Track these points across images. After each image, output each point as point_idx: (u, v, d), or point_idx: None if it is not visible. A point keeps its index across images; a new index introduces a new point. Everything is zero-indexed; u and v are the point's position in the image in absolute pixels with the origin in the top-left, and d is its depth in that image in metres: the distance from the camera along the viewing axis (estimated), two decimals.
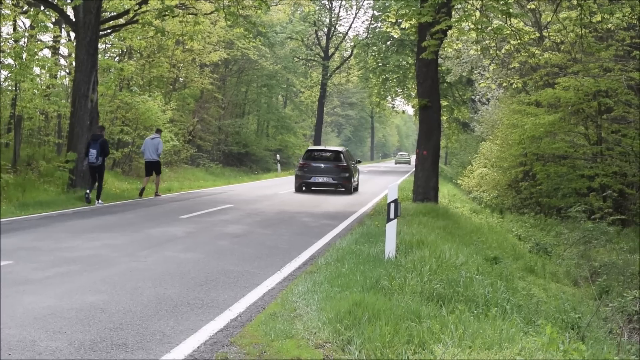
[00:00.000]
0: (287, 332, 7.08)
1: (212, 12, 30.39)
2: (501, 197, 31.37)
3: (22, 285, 9.01)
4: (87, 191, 21.41)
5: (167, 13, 24.09)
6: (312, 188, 29.47)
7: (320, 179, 28.91)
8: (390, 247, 11.02)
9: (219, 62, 47.00)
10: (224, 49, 45.31)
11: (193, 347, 6.63)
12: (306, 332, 7.13)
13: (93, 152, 21.59)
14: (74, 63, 26.49)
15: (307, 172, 29.05)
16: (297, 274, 10.48)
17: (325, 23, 69.12)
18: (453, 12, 21.50)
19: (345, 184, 29.01)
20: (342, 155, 29.73)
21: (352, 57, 66.19)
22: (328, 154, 30.28)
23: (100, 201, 21.54)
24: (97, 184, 21.82)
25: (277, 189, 31.21)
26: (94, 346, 6.50)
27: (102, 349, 6.42)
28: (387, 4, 45.97)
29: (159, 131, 26.53)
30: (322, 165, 29.29)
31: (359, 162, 33.38)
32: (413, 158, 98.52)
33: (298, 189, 29.15)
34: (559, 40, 23.92)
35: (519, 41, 21.30)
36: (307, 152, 31.13)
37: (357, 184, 31.64)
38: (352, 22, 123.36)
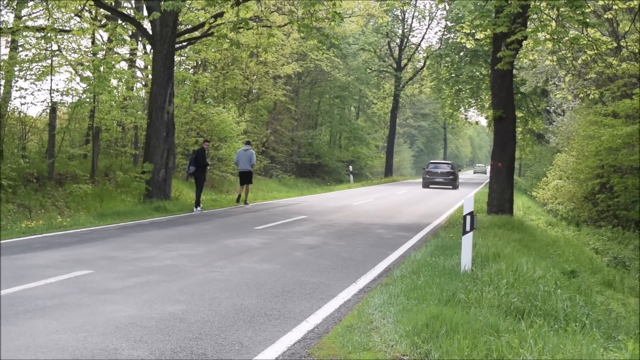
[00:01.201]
0: (364, 345, 7.09)
1: (285, 25, 30.68)
2: (577, 210, 30.89)
3: (103, 294, 9.18)
4: (198, 201, 23.80)
5: (241, 26, 24.28)
6: (431, 187, 45.75)
7: (437, 180, 46.31)
8: (466, 259, 10.94)
9: (292, 74, 47.28)
10: (297, 62, 45.61)
11: (271, 358, 6.67)
12: (383, 344, 7.12)
13: (242, 162, 25.78)
14: (150, 75, 26.94)
15: (430, 176, 46.59)
16: (373, 285, 10.47)
17: (398, 34, 69.07)
18: (528, 23, 21.30)
19: (452, 183, 46.18)
20: (450, 165, 47.90)
21: (424, 68, 65.96)
22: (442, 164, 48.63)
23: (198, 208, 23.60)
24: (198, 192, 24.02)
25: (350, 200, 31.24)
26: (174, 355, 6.59)
27: (182, 359, 6.50)
28: (460, 15, 45.78)
29: (249, 143, 28.06)
30: (439, 171, 46.71)
31: (460, 170, 51.15)
32: (488, 169, 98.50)
33: (424, 186, 46.42)
34: (637, 50, 23.52)
35: (595, 51, 21.00)
36: (430, 164, 49.21)
37: (458, 184, 48.54)
38: (425, 33, 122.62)
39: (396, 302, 8.81)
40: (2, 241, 14.43)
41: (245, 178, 26.72)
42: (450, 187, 45.18)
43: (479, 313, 8.14)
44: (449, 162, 39.41)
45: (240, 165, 26.68)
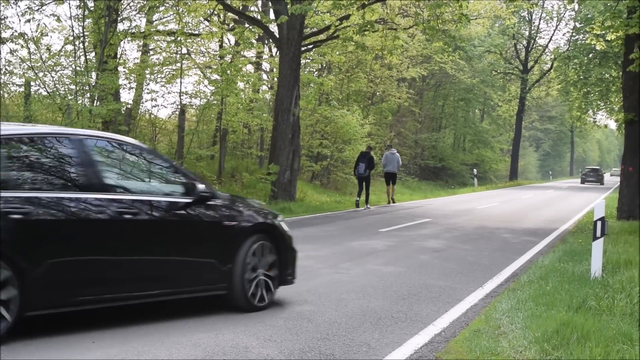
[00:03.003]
0: (492, 350, 7.00)
1: (411, 27, 30.63)
2: None
3: None
4: (357, 198, 26.56)
5: (367, 28, 24.40)
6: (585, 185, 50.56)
7: (590, 179, 68.83)
8: (596, 266, 10.70)
9: (417, 77, 47.15)
10: (421, 64, 45.44)
11: None
12: (512, 350, 7.02)
13: (362, 166, 26.24)
14: (276, 78, 27.33)
15: (585, 176, 69.17)
16: (499, 290, 10.35)
17: (524, 36, 68.01)
18: None
19: (600, 180, 68.74)
20: (598, 169, 66.50)
21: (552, 70, 64.69)
22: (593, 168, 69.92)
23: (368, 205, 26.31)
24: (365, 192, 26.43)
25: (475, 203, 30.95)
26: (303, 355, 6.66)
27: (310, 358, 6.58)
28: (590, 16, 44.67)
29: (391, 146, 30.71)
30: (591, 172, 69.97)
31: (603, 172, 58.81)
32: (607, 175, 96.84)
33: (582, 183, 65.58)
34: None
35: None
36: (585, 168, 61.73)
37: (604, 181, 66.05)
38: (553, 34, 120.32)
39: (524, 307, 8.68)
40: None
41: (391, 179, 29.13)
42: (599, 183, 67.84)
43: (611, 321, 7.95)
44: (597, 167, 48.24)
45: (388, 167, 28.97)
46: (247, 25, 26.65)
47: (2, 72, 21.37)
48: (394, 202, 29.25)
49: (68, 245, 6.84)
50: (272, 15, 26.66)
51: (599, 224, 10.69)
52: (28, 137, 7.11)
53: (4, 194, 6.37)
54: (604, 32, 22.75)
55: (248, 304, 8.26)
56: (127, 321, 7.64)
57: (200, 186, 8.02)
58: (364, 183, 26.51)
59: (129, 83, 25.25)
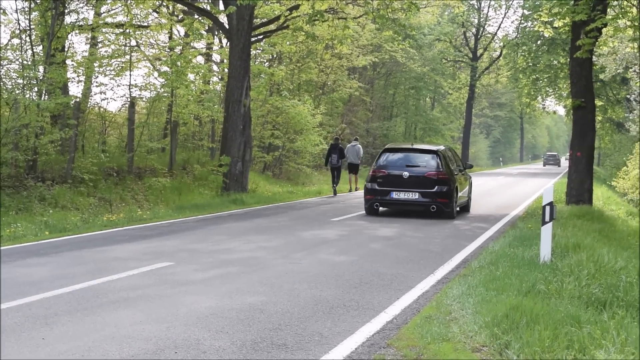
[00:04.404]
0: (443, 335, 7.07)
1: (361, 16, 30.68)
2: None
3: (184, 285, 9.33)
4: (334, 185, 28.34)
5: (317, 18, 24.35)
6: (546, 167, 23.41)
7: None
8: (545, 250, 10.83)
9: (367, 66, 47.22)
10: (372, 53, 45.53)
11: (351, 348, 6.70)
12: (462, 335, 7.10)
13: (335, 157, 28.35)
14: (226, 69, 27.21)
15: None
16: (451, 277, 10.44)
17: (473, 24, 68.49)
18: (608, 9, 20.90)
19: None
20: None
21: (501, 58, 65.24)
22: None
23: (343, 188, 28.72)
24: (337, 180, 28.33)
25: None
26: (255, 346, 6.67)
27: (263, 349, 6.58)
28: (538, 3, 45.00)
29: (357, 139, 31.91)
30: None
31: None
32: (563, 159, 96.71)
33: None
34: None
35: None
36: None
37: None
38: (502, 22, 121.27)
39: (475, 293, 8.77)
40: (85, 234, 14.78)
41: (353, 169, 30.23)
42: (557, 165, 53.81)
43: (559, 304, 8.05)
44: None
45: (350, 158, 29.75)
46: (196, 16, 26.44)
47: None
48: (356, 190, 29.99)
49: None
50: (221, 6, 26.50)
51: (547, 208, 10.82)
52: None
53: None
54: (551, 19, 23.03)
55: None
56: (77, 317, 7.59)
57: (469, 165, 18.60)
58: (335, 172, 28.54)
59: (78, 76, 24.92)
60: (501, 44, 65.19)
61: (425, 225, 17.47)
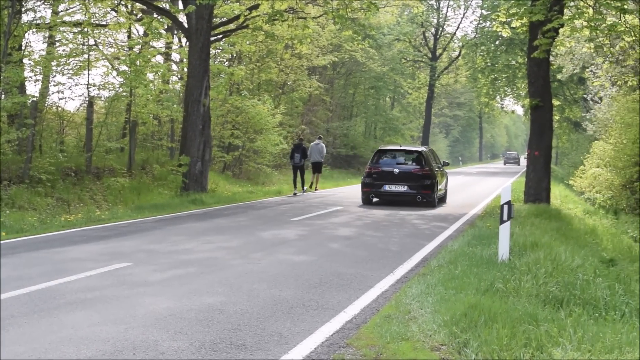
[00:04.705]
0: (402, 334, 7.09)
1: (320, 16, 30.64)
2: (615, 198, 30.52)
3: (142, 286, 9.27)
4: (295, 185, 28.82)
5: (276, 17, 24.29)
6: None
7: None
8: (503, 249, 10.91)
9: (328, 65, 47.23)
10: (332, 52, 45.56)
11: (310, 348, 6.71)
12: (421, 334, 7.12)
13: (297, 156, 28.53)
14: (185, 69, 27.08)
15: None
16: (410, 276, 10.47)
17: (433, 24, 68.73)
18: (565, 10, 21.11)
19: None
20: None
21: (460, 58, 65.65)
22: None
23: (304, 190, 29.11)
24: (301, 178, 28.96)
25: None
26: (214, 346, 6.65)
27: (222, 349, 6.57)
28: (496, 3, 45.45)
29: (320, 138, 31.85)
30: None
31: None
32: (522, 158, 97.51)
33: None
34: None
35: (634, 38, 20.79)
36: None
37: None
38: (460, 22, 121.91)
39: (434, 292, 8.82)
40: (42, 235, 14.62)
41: (316, 168, 30.53)
42: (517, 164, 48.21)
43: (517, 302, 8.13)
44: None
45: (313, 157, 30.12)
46: (155, 15, 26.23)
47: None
48: (316, 189, 30.77)
49: None
50: (180, 5, 26.36)
51: (505, 207, 10.90)
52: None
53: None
54: (509, 19, 23.18)
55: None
56: (34, 319, 7.51)
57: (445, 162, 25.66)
58: (298, 171, 29.00)
59: (35, 75, 24.65)
60: (460, 44, 65.61)
61: (384, 225, 17.52)
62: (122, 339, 6.83)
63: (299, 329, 7.34)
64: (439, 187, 24.03)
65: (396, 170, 23.04)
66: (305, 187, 29.30)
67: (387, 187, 23.06)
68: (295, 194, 28.09)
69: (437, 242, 14.43)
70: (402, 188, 22.96)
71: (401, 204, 23.28)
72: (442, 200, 25.27)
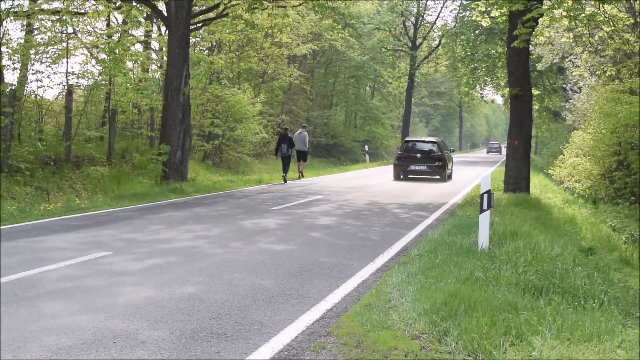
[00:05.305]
0: (382, 323, 7.11)
1: (300, 4, 30.56)
2: (594, 188, 30.64)
3: (122, 276, 9.24)
4: (284, 174, 29.62)
5: (256, 6, 24.25)
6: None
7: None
8: (483, 238, 10.95)
9: (308, 54, 47.19)
10: (312, 41, 45.50)
11: (291, 336, 6.71)
12: (402, 322, 7.14)
13: (284, 146, 29.66)
14: (165, 57, 26.95)
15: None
16: (390, 265, 10.49)
17: (412, 13, 68.68)
18: (545, 0, 21.16)
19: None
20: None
21: (440, 47, 65.69)
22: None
23: (285, 177, 29.63)
24: (286, 167, 29.85)
25: (367, 180, 31.29)
26: (195, 335, 6.64)
27: (202, 338, 6.56)
28: None
29: (304, 127, 32.91)
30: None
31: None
32: (503, 147, 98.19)
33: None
34: None
35: (612, 28, 20.93)
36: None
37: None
38: (440, 11, 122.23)
39: (414, 280, 8.84)
40: (21, 224, 14.55)
41: (301, 156, 31.66)
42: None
43: (497, 291, 8.17)
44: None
45: (297, 145, 30.99)
46: (134, 3, 26.12)
47: None
48: (302, 176, 31.99)
49: None
50: None
51: (485, 197, 10.94)
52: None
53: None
54: (489, 8, 23.21)
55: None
56: (13, 308, 7.48)
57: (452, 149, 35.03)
58: (285, 161, 29.83)
59: (13, 64, 24.47)
60: (440, 33, 65.55)
61: (365, 214, 17.54)
62: (102, 327, 6.81)
63: (279, 317, 7.34)
64: (448, 167, 32.81)
65: (418, 155, 31.35)
66: (285, 176, 29.46)
67: (412, 167, 31.33)
68: (285, 182, 29.04)
69: (418, 231, 14.45)
70: (423, 167, 31.21)
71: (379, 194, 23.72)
72: (450, 177, 33.62)
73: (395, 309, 7.70)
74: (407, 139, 35.45)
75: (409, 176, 31.79)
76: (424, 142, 33.07)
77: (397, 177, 31.62)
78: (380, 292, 8.51)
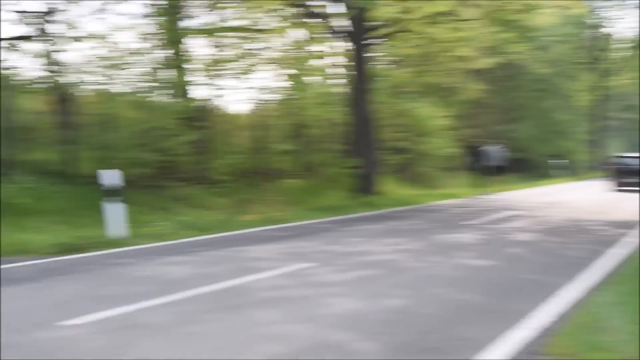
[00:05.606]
0: (595, 344, 6.84)
1: (478, 19, 30.24)
2: None
3: (327, 287, 9.36)
4: (477, 189, 30.51)
5: (432, 21, 24.18)
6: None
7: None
8: None
9: (490, 68, 46.59)
10: (494, 55, 44.92)
11: (507, 354, 6.56)
12: (616, 344, 6.85)
13: (477, 160, 31.68)
14: (348, 71, 27.23)
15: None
16: (598, 283, 10.09)
17: (600, 24, 66.56)
18: None
19: None
20: None
21: (631, 58, 63.29)
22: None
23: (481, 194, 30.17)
24: (481, 183, 31.50)
25: (559, 196, 30.55)
26: (408, 348, 6.61)
27: (416, 352, 6.50)
28: None
29: (497, 144, 34.93)
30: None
31: None
32: None
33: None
34: None
35: None
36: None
37: None
38: (629, 21, 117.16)
39: (627, 301, 8.48)
40: (224, 234, 15.07)
41: (495, 171, 33.74)
42: None
43: None
44: None
45: (492, 161, 33.23)
46: (317, 19, 26.40)
47: None
48: (494, 191, 32.34)
49: None
50: (339, 8, 26.49)
51: None
52: None
53: None
54: None
55: None
56: (226, 314, 7.74)
57: None
58: (479, 175, 32.29)
59: (202, 80, 25.31)
60: (630, 44, 62.91)
61: (563, 230, 17.05)
62: (313, 336, 6.92)
63: (490, 334, 7.18)
64: None
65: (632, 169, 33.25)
66: (478, 191, 29.75)
67: (625, 180, 33.02)
68: (477, 198, 28.90)
69: (624, 250, 13.84)
70: (636, 180, 32.06)
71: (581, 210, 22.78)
72: None
73: (607, 329, 7.38)
74: (619, 154, 36.91)
75: (621, 191, 32.77)
76: (635, 157, 34.27)
77: (615, 190, 33.25)
78: (589, 312, 8.20)
